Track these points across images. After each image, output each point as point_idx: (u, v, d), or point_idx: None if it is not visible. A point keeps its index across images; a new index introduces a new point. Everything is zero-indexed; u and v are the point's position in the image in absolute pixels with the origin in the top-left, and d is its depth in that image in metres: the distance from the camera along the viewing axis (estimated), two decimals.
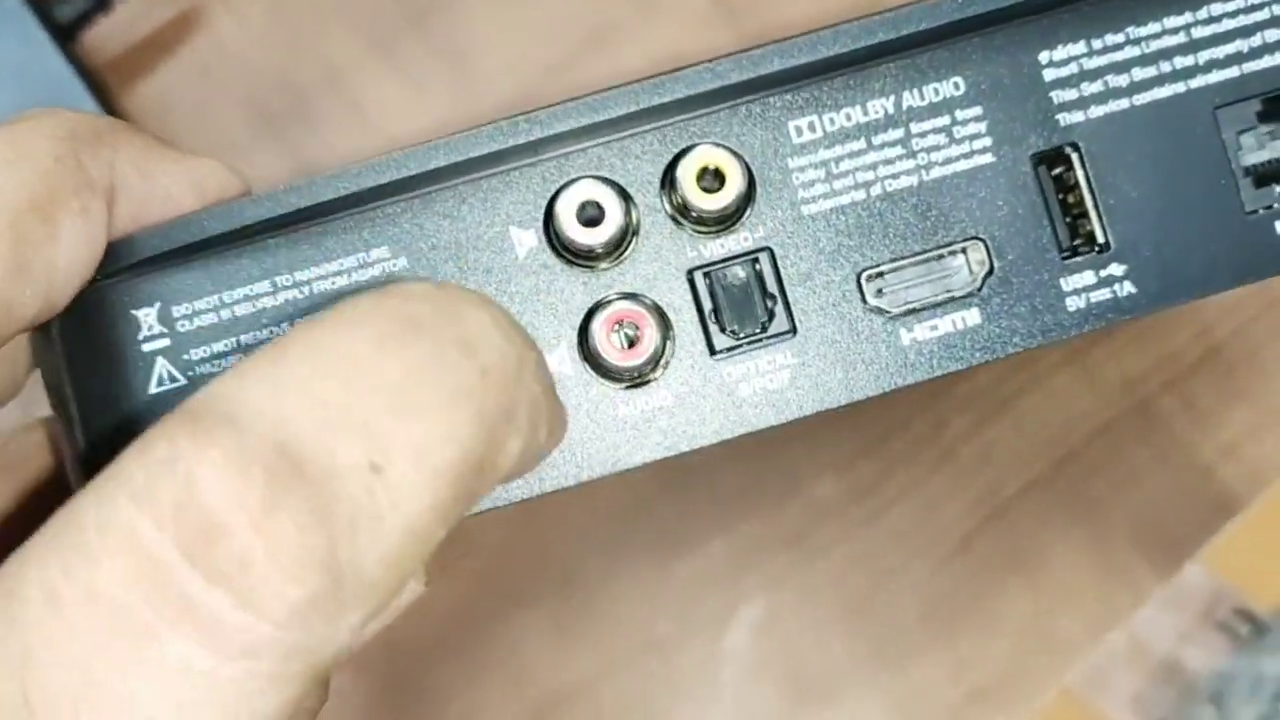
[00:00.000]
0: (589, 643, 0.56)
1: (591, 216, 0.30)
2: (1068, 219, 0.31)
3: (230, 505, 0.20)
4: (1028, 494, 0.58)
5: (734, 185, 0.30)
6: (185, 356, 0.31)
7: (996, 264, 0.31)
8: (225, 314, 0.31)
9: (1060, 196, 0.31)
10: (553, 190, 0.31)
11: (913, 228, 0.31)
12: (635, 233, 0.31)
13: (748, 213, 0.31)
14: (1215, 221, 0.31)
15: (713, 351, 0.31)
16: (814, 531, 0.57)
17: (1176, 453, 0.58)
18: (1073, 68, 0.31)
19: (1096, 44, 0.31)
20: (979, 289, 0.31)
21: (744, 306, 0.31)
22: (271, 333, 0.31)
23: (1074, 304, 0.31)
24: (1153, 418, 0.58)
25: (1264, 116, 0.31)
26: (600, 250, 0.31)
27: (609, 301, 0.31)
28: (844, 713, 0.57)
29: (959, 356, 0.31)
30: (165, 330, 0.31)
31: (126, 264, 0.31)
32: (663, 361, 0.31)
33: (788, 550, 0.57)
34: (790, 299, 0.31)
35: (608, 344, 0.30)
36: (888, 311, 0.31)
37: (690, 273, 0.31)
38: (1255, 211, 0.31)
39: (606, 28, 0.57)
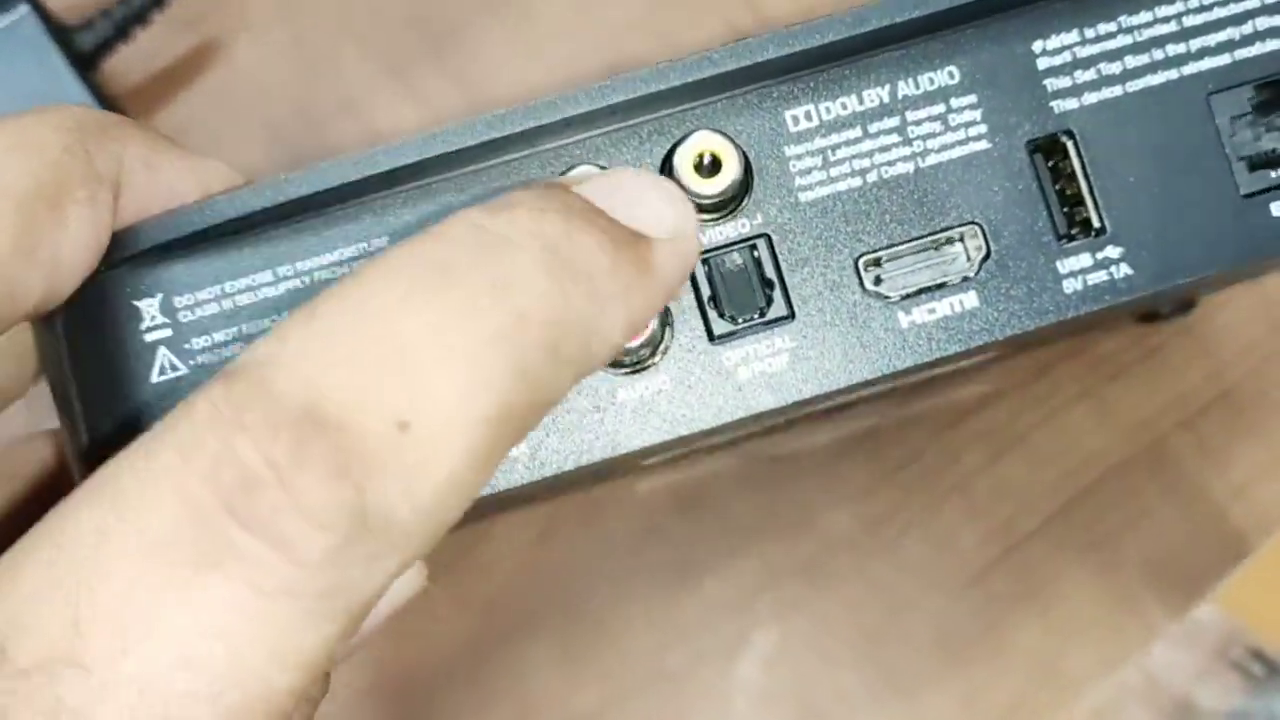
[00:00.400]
0: (599, 672, 0.56)
1: None
2: (1063, 204, 0.31)
3: (261, 463, 0.22)
4: (1041, 529, 0.58)
5: (731, 171, 0.31)
6: (187, 346, 0.31)
7: (993, 248, 0.31)
8: (227, 304, 0.31)
9: (1055, 182, 0.31)
10: (552, 177, 0.31)
11: (909, 213, 0.31)
12: None
13: (745, 200, 0.31)
14: (1211, 205, 0.31)
15: (712, 337, 0.31)
16: (826, 562, 0.57)
17: (1188, 491, 0.58)
18: (1066, 56, 0.31)
19: (1089, 32, 0.31)
20: (976, 272, 0.31)
21: (742, 292, 0.31)
22: (273, 321, 0.31)
23: (1071, 286, 0.31)
24: (1165, 456, 0.58)
25: (1257, 102, 0.31)
26: None
27: None
28: None
29: (958, 339, 0.31)
30: (167, 320, 0.31)
31: (129, 254, 0.31)
32: (662, 347, 0.31)
33: (800, 580, 0.57)
34: (788, 284, 0.31)
35: None
36: (886, 296, 0.31)
37: None
38: (1251, 194, 0.31)
39: (622, 62, 0.58)
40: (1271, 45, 0.31)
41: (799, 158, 0.31)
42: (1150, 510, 0.58)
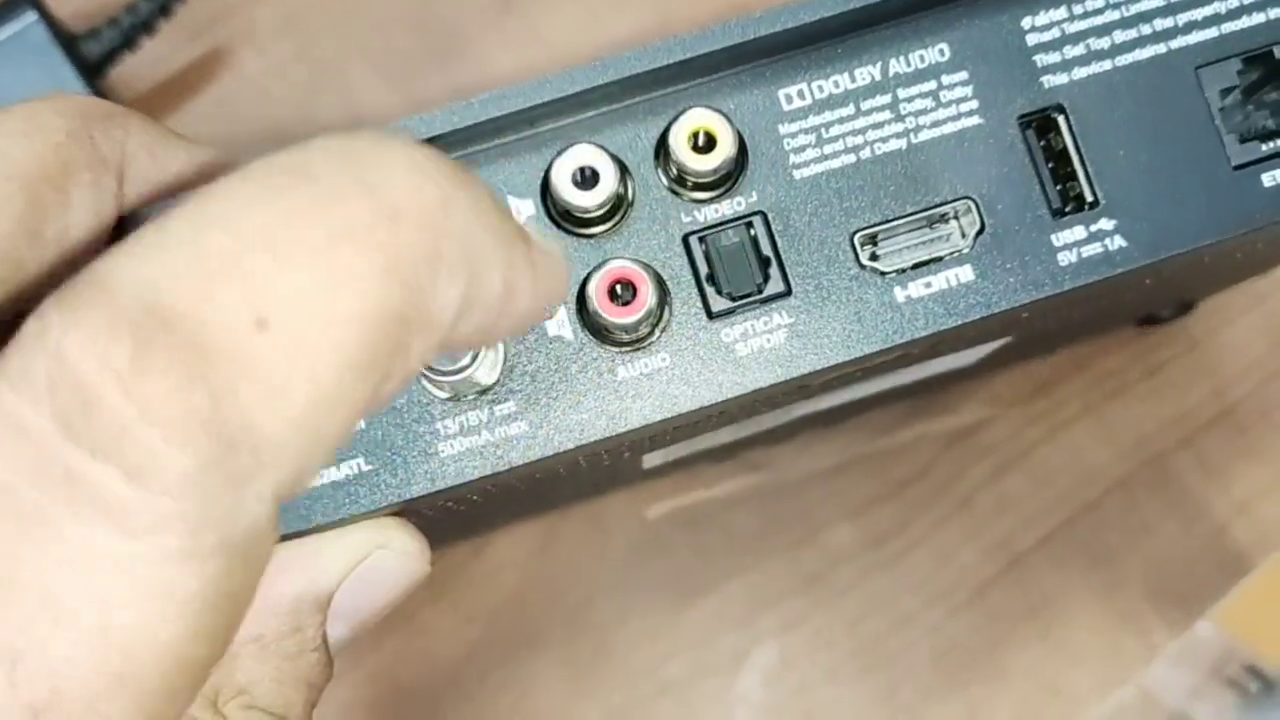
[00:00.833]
0: (601, 685, 0.56)
1: (586, 180, 0.31)
2: (1056, 178, 0.32)
3: (100, 370, 0.19)
4: (1043, 545, 0.58)
5: (725, 148, 0.31)
6: None
7: (987, 222, 0.32)
8: None
9: (1048, 156, 0.32)
10: (549, 159, 0.31)
11: (903, 190, 0.32)
12: (631, 203, 0.32)
13: (741, 178, 0.32)
14: (1202, 177, 0.32)
15: (710, 314, 0.32)
16: (829, 576, 0.57)
17: (1190, 509, 0.58)
18: (1055, 32, 0.32)
19: (1077, 8, 0.32)
20: (971, 247, 0.32)
21: (739, 269, 0.32)
22: None
23: (1066, 259, 0.31)
24: (1167, 474, 0.58)
25: (1245, 75, 0.32)
26: (596, 214, 0.31)
27: (605, 263, 0.31)
28: None
29: (954, 313, 0.32)
30: None
31: None
32: (660, 324, 0.31)
33: (802, 594, 0.57)
34: (785, 261, 0.32)
35: (605, 302, 0.31)
36: (882, 271, 0.32)
37: (685, 238, 0.32)
38: (1242, 166, 0.32)
39: None
40: (1258, 18, 0.32)
41: (793, 136, 0.32)
42: (1152, 528, 0.58)
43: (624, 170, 0.31)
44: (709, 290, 0.32)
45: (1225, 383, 0.59)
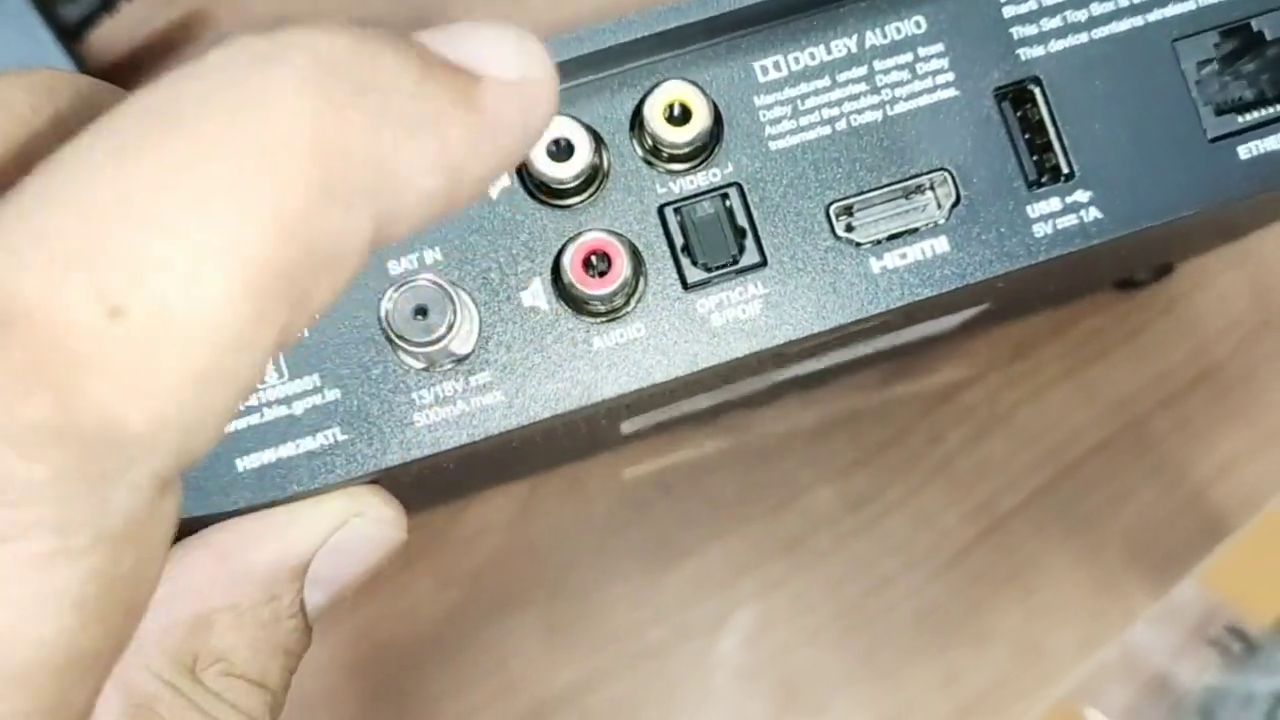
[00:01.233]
0: (581, 648, 0.56)
1: (561, 151, 0.31)
2: (1032, 149, 0.32)
3: None
4: (1023, 508, 0.58)
5: (700, 120, 0.31)
6: None
7: (963, 193, 0.32)
8: None
9: (1024, 128, 0.32)
10: None
11: (879, 161, 0.32)
12: (606, 174, 0.32)
13: (716, 150, 0.32)
14: (1178, 148, 0.32)
15: (685, 285, 0.32)
16: (808, 540, 0.57)
17: (1171, 471, 0.58)
18: (1031, 4, 0.32)
19: None
20: (947, 218, 0.32)
21: (715, 240, 0.32)
22: None
23: (1041, 230, 0.32)
24: (1148, 436, 0.59)
25: (1221, 48, 0.32)
26: (571, 186, 0.31)
27: (580, 234, 0.31)
28: None
29: (929, 283, 0.32)
30: None
31: None
32: (635, 295, 0.31)
33: (782, 558, 0.57)
34: (760, 232, 0.32)
35: (580, 272, 0.31)
36: (857, 242, 0.32)
37: (661, 209, 0.32)
38: (1217, 138, 0.32)
39: None
40: None
41: (769, 107, 0.32)
42: (1132, 490, 0.58)
43: (599, 142, 0.31)
44: (684, 261, 0.32)
45: (1205, 343, 0.59)
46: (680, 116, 0.31)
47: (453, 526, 0.56)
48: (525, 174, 0.31)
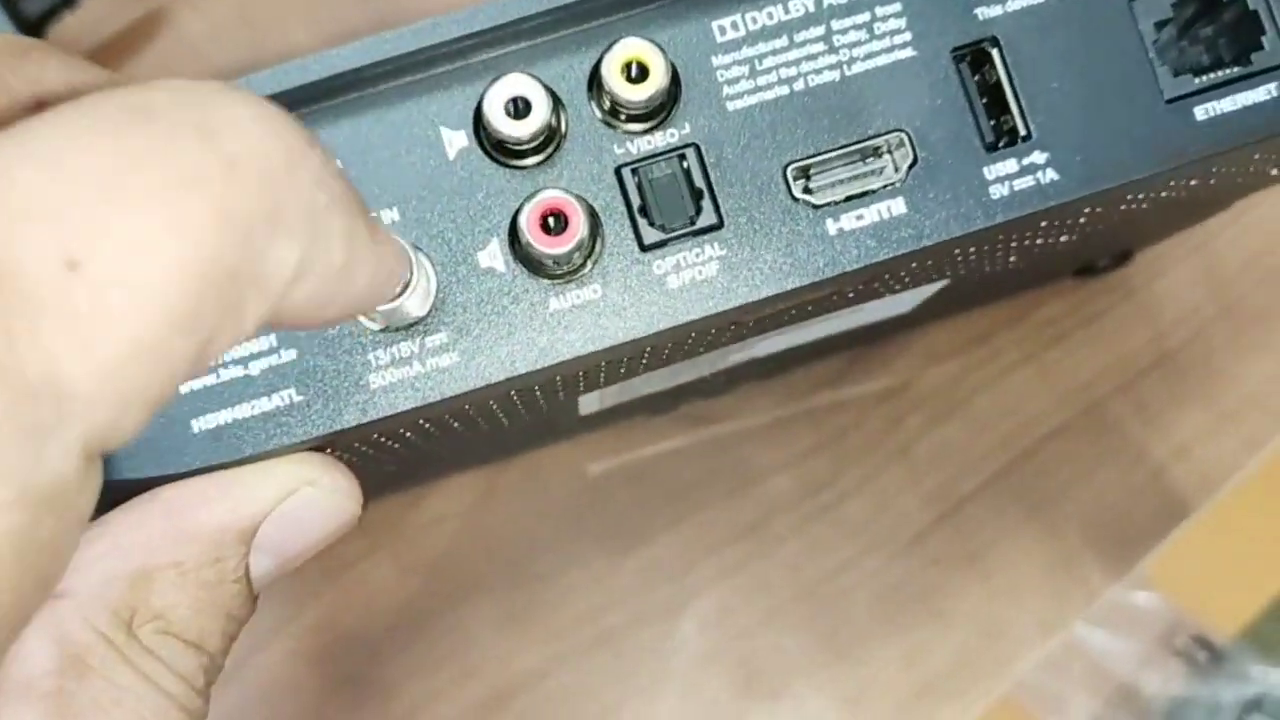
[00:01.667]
0: (540, 634, 0.56)
1: (519, 110, 0.31)
2: (989, 111, 0.32)
3: None
4: (981, 492, 0.58)
5: (657, 78, 0.31)
6: None
7: (920, 155, 0.31)
8: None
9: (981, 89, 0.32)
10: (481, 90, 0.31)
11: (836, 121, 0.32)
12: (564, 134, 0.31)
13: (674, 110, 0.31)
14: (1135, 109, 0.32)
15: (642, 246, 0.31)
16: (767, 524, 0.57)
17: (1129, 454, 0.59)
18: None
19: None
20: (904, 180, 0.32)
21: (671, 201, 0.31)
22: None
23: (998, 191, 0.31)
24: (1106, 420, 0.59)
25: (1178, 8, 0.32)
26: (529, 145, 0.31)
27: (537, 193, 0.31)
28: (794, 703, 0.56)
29: (886, 245, 0.31)
30: None
31: None
32: (592, 256, 0.31)
33: (740, 542, 0.57)
34: (717, 193, 0.31)
35: (537, 231, 0.30)
36: (814, 204, 0.31)
37: (618, 170, 0.31)
38: (1174, 99, 0.32)
39: None
40: None
41: (726, 67, 0.32)
42: (1091, 473, 0.58)
43: (557, 101, 0.31)
44: (641, 222, 0.31)
45: (1163, 329, 0.60)
46: (638, 75, 0.31)
47: (412, 514, 0.56)
48: (483, 133, 0.31)
